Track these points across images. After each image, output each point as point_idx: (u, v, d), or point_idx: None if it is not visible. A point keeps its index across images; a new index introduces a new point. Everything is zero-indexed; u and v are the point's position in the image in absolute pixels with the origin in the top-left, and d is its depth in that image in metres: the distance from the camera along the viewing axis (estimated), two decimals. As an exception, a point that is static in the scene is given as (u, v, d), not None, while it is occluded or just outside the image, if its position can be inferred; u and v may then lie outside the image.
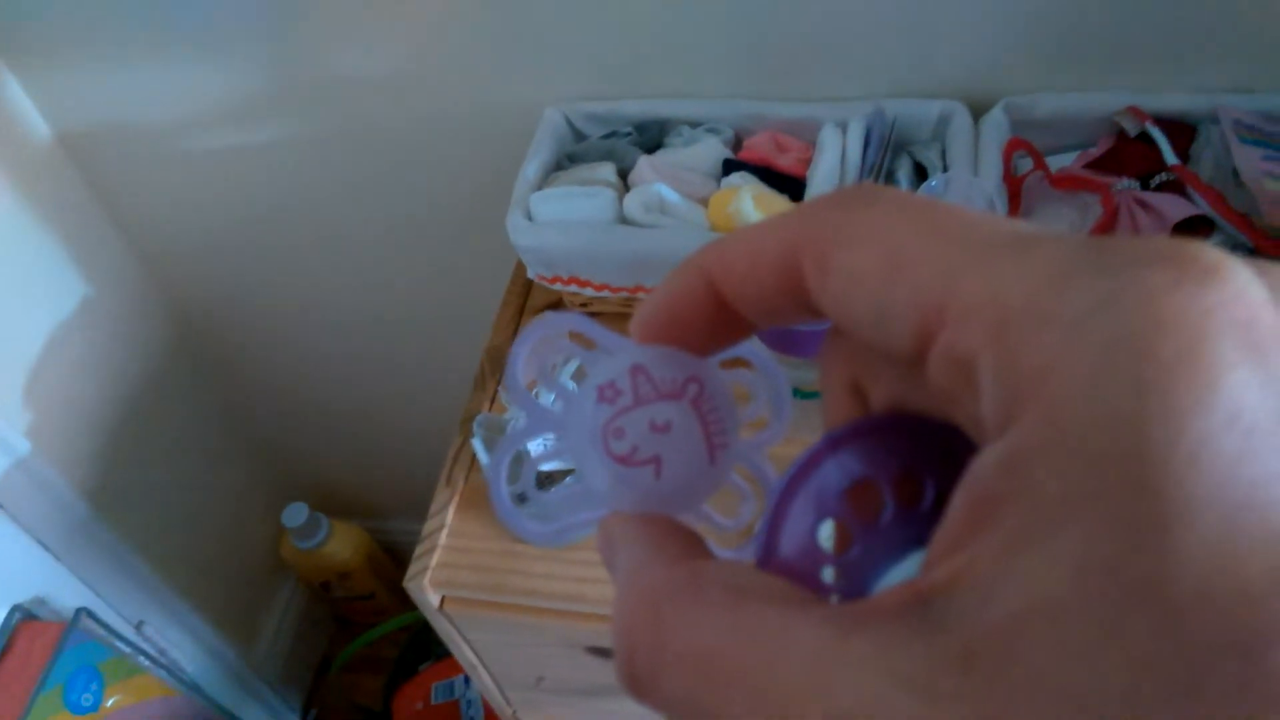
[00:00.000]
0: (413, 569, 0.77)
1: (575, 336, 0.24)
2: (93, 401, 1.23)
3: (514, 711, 0.97)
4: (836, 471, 0.20)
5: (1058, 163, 0.80)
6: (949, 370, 0.16)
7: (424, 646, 1.63)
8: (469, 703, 1.54)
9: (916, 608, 0.15)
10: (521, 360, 0.24)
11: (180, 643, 1.39)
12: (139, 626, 1.31)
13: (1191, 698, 0.12)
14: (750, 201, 0.77)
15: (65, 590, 1.18)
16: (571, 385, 0.73)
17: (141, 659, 1.25)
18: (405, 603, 1.70)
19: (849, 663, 0.14)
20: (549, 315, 0.24)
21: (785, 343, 0.70)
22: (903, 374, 0.20)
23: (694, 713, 0.16)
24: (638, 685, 0.17)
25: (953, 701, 0.13)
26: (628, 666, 0.18)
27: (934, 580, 0.15)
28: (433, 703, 1.56)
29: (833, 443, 0.20)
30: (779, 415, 0.26)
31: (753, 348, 0.25)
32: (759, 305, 0.20)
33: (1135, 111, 0.78)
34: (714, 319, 0.21)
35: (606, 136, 0.90)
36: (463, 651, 0.85)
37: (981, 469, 0.15)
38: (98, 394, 1.23)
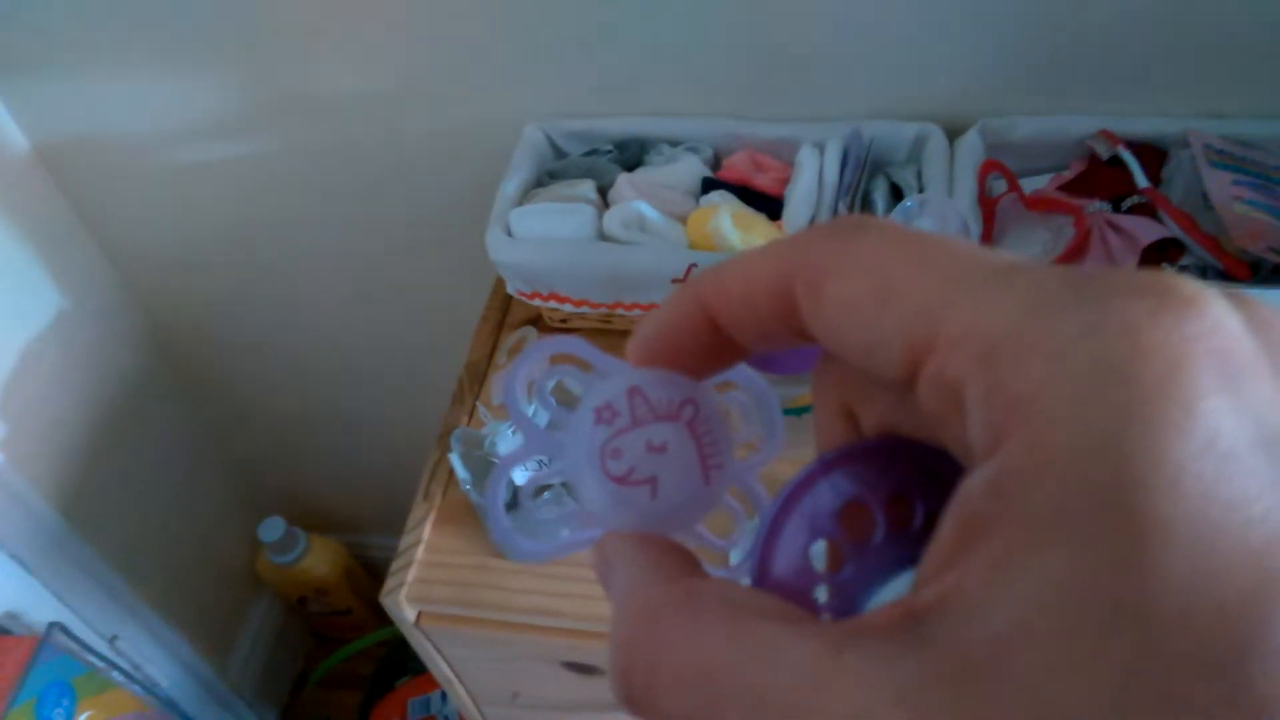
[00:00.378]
0: (389, 584, 0.77)
1: (564, 357, 0.24)
2: (67, 414, 1.22)
3: (490, 727, 0.97)
4: (829, 493, 0.21)
5: (1031, 185, 0.81)
6: (938, 395, 0.16)
7: (401, 662, 1.62)
8: (445, 718, 1.54)
9: (907, 625, 0.15)
10: (520, 381, 0.25)
11: (154, 657, 1.38)
12: (112, 641, 1.29)
13: (1174, 715, 0.12)
14: (729, 220, 0.78)
15: (38, 604, 1.17)
16: (551, 401, 0.73)
17: (115, 674, 1.24)
18: (382, 618, 1.69)
19: (842, 678, 0.15)
20: (546, 338, 0.24)
21: (766, 361, 0.70)
22: (893, 399, 0.20)
23: None
24: (634, 701, 0.18)
25: (942, 716, 0.14)
26: (624, 682, 0.18)
27: (924, 599, 0.15)
28: (409, 717, 1.56)
29: (825, 465, 0.21)
30: (771, 437, 0.26)
31: (746, 371, 0.25)
32: (753, 330, 0.20)
33: (1107, 135, 0.79)
34: (709, 343, 0.22)
35: (587, 154, 0.90)
36: (439, 667, 0.85)
37: (969, 491, 0.15)
38: (72, 406, 1.23)
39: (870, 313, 0.17)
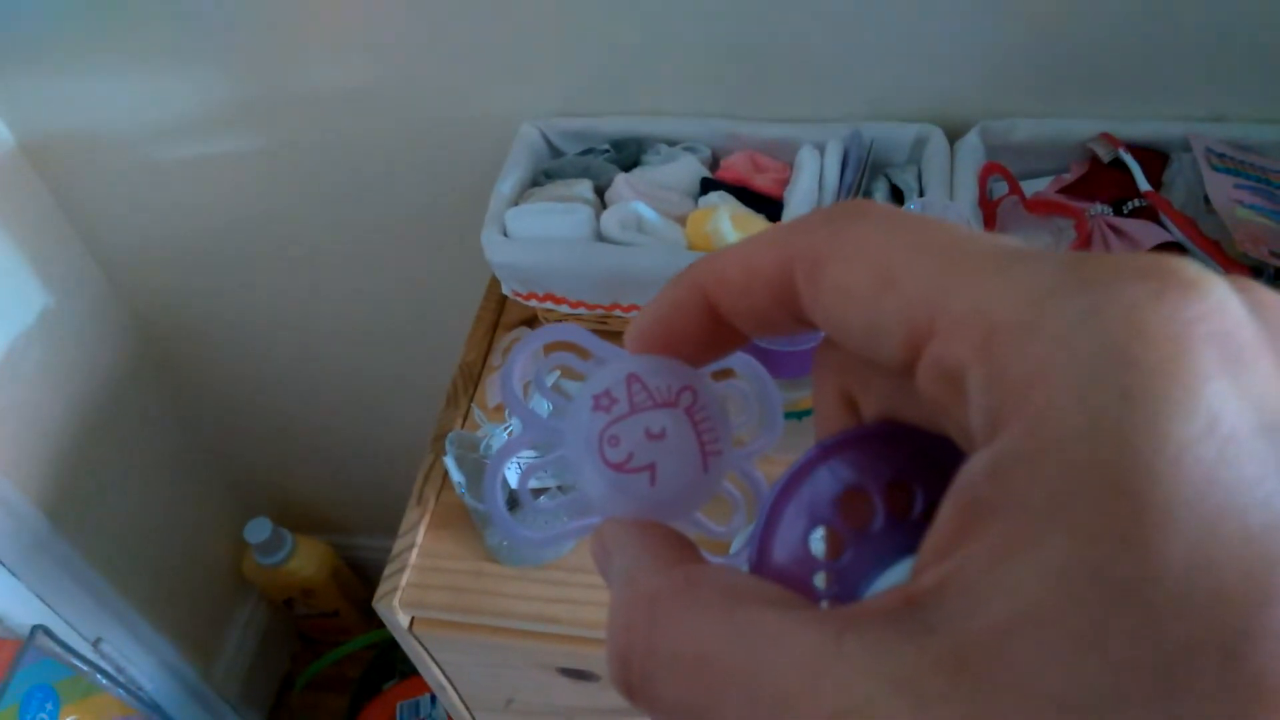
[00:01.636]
0: (382, 589, 0.76)
1: (564, 345, 0.24)
2: (52, 414, 1.20)
3: (482, 732, 0.96)
4: (829, 479, 0.21)
5: (1032, 187, 0.81)
6: (938, 381, 0.16)
7: (389, 665, 1.61)
8: (435, 722, 1.53)
9: (907, 612, 0.15)
10: (517, 370, 0.24)
11: (139, 660, 1.36)
12: (97, 644, 1.28)
13: (1174, 698, 0.12)
14: (728, 221, 0.77)
15: (21, 607, 1.15)
16: (550, 394, 0.72)
17: (99, 677, 1.22)
18: (371, 620, 1.68)
19: (840, 664, 0.15)
20: (544, 327, 0.24)
21: (765, 363, 0.69)
22: (893, 385, 0.20)
23: (687, 714, 0.17)
24: (632, 688, 0.18)
25: (942, 703, 0.13)
26: (622, 669, 0.18)
27: (924, 585, 0.15)
28: (398, 722, 1.54)
29: (825, 451, 0.21)
30: (771, 425, 0.26)
31: (745, 358, 0.25)
32: (752, 317, 0.20)
33: (1109, 138, 0.79)
34: (707, 330, 0.22)
35: (583, 153, 0.89)
36: (431, 672, 0.84)
37: (969, 477, 0.15)
38: (57, 406, 1.21)
39: (870, 298, 0.17)
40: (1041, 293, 0.15)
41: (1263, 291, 0.15)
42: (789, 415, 0.74)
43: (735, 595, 0.17)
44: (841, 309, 0.18)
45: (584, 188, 0.84)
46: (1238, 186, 0.73)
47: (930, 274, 0.16)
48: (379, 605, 0.76)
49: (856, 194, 0.79)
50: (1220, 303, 0.14)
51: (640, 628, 0.18)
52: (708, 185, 0.83)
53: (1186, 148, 0.77)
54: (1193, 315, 0.14)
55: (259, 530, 1.49)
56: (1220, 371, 0.14)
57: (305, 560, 1.56)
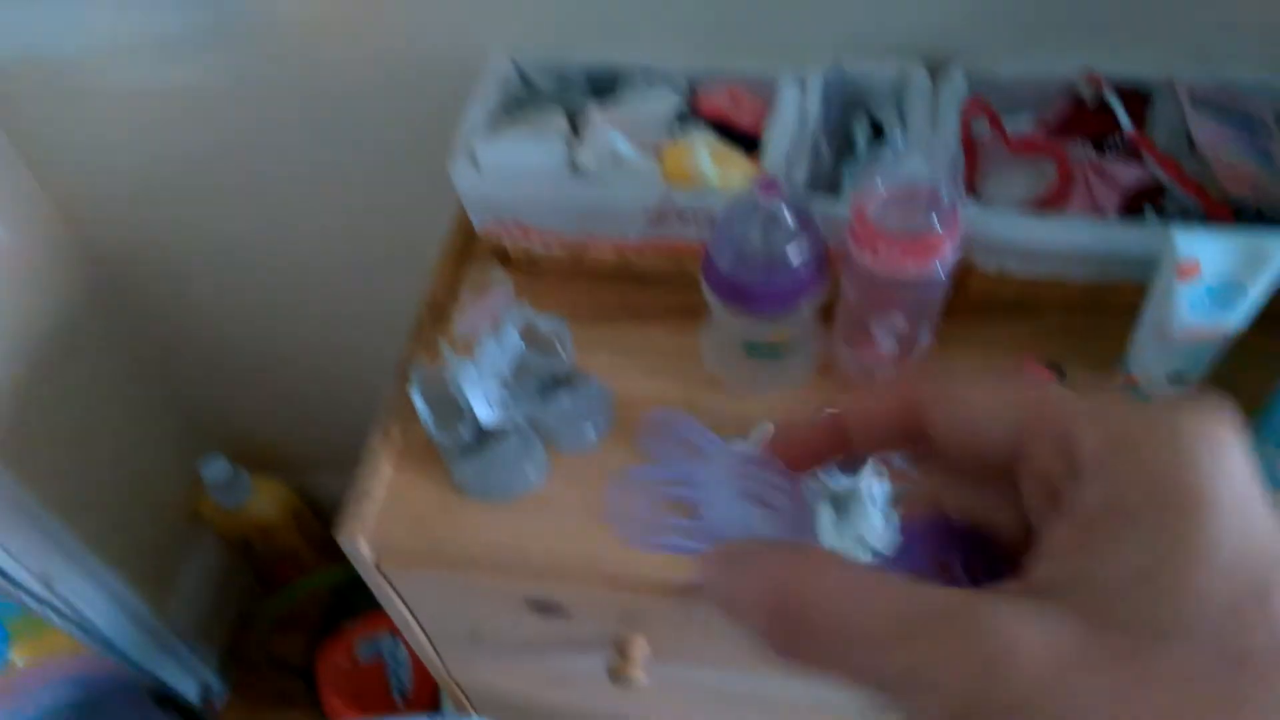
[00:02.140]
0: (345, 523, 0.75)
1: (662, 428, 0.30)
2: (1, 349, 1.16)
3: (445, 668, 0.95)
4: (928, 550, 0.29)
5: (1014, 126, 0.80)
6: (1051, 449, 0.23)
7: (348, 603, 1.60)
8: (395, 659, 1.52)
9: (1026, 590, 0.21)
10: (655, 440, 0.33)
11: (91, 598, 1.34)
12: (47, 581, 1.25)
13: (1233, 623, 0.19)
14: (708, 156, 0.75)
15: (-31, 542, 1.12)
16: (516, 339, 0.70)
17: (50, 614, 1.20)
18: (329, 559, 1.67)
19: (984, 610, 0.21)
20: (660, 413, 0.32)
21: (739, 296, 0.68)
22: (971, 492, 0.28)
23: (836, 642, 0.22)
24: (787, 637, 0.22)
25: (1073, 636, 0.20)
26: (777, 620, 0.23)
27: (1039, 575, 0.22)
28: (358, 659, 1.54)
29: (923, 530, 0.29)
30: None
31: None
32: (876, 435, 0.28)
33: (1093, 78, 0.77)
34: (827, 444, 0.29)
35: (558, 85, 0.87)
36: (395, 606, 0.82)
37: (1082, 503, 0.22)
38: (6, 340, 1.17)
39: (989, 401, 0.25)
40: (1135, 400, 0.23)
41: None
42: (760, 354, 0.73)
43: (867, 567, 0.23)
44: (960, 413, 0.25)
45: (558, 118, 0.81)
46: (1221, 128, 0.72)
47: (1043, 388, 0.25)
48: (342, 538, 0.74)
49: (838, 130, 0.78)
50: (1231, 417, 0.22)
51: (797, 577, 0.23)
52: (685, 119, 0.81)
53: (1170, 89, 0.77)
54: (1223, 417, 0.22)
55: (216, 470, 1.46)
56: (1240, 443, 0.22)
57: (264, 502, 1.54)
